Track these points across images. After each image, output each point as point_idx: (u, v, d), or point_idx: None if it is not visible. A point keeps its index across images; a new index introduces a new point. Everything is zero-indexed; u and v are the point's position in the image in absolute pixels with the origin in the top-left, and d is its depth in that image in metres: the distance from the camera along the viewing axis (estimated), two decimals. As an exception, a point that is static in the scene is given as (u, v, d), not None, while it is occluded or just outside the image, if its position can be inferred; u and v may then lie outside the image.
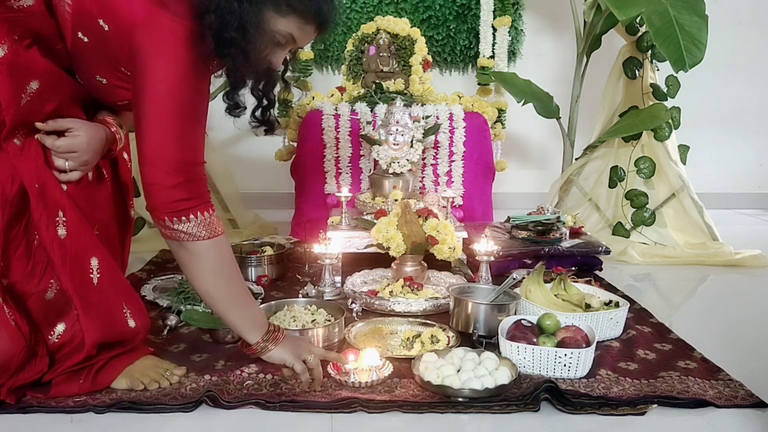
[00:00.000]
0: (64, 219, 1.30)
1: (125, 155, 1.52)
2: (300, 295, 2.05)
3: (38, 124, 1.29)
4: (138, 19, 1.23)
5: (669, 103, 2.99)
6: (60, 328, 1.35)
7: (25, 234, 1.30)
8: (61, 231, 1.30)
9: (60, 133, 1.32)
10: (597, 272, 2.39)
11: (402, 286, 2.04)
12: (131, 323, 1.41)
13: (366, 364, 1.49)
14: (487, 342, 1.69)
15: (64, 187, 1.32)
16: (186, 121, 1.27)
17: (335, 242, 2.12)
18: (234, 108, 1.37)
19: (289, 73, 1.47)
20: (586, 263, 2.38)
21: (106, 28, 1.27)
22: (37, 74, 1.26)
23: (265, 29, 1.27)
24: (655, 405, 1.43)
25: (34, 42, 1.27)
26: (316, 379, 1.43)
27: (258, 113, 1.40)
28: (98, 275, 1.35)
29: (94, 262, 1.35)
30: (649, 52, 2.98)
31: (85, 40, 1.31)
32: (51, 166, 1.31)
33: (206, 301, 1.41)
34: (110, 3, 1.26)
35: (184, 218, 1.28)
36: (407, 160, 2.47)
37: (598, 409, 1.41)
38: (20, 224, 1.29)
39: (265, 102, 1.39)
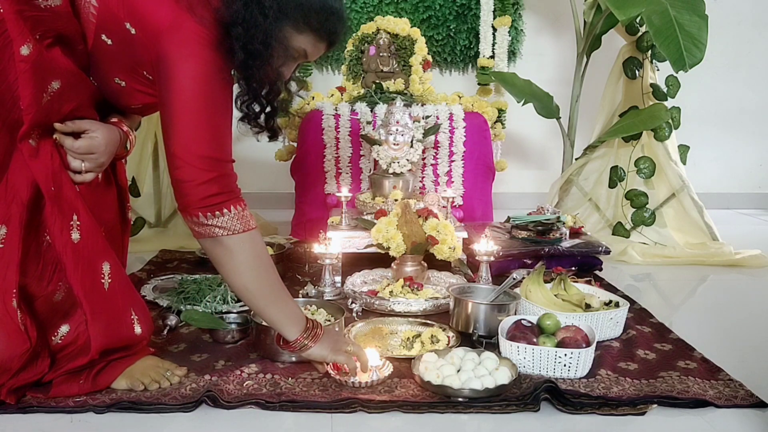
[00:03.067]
0: (78, 222, 1.30)
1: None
2: (300, 295, 2.05)
3: (57, 125, 1.29)
4: (165, 24, 1.25)
5: (669, 103, 2.99)
6: (64, 329, 1.35)
7: (36, 235, 1.30)
8: (75, 235, 1.29)
9: (76, 135, 1.32)
10: (597, 272, 2.39)
11: (402, 286, 2.04)
12: (137, 329, 1.41)
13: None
14: (487, 342, 1.69)
15: (77, 189, 1.32)
16: (215, 119, 1.28)
17: (335, 242, 2.12)
18: (251, 117, 1.39)
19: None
20: (586, 263, 2.38)
21: (133, 31, 1.27)
22: (59, 74, 1.26)
23: (285, 45, 1.31)
24: (655, 405, 1.43)
25: (56, 42, 1.27)
26: (362, 363, 1.45)
27: (262, 120, 1.41)
28: (109, 280, 1.34)
29: (106, 268, 1.34)
30: (649, 52, 2.98)
31: (109, 42, 1.31)
32: (66, 168, 1.31)
33: (244, 298, 1.41)
34: (138, 7, 1.26)
35: (218, 213, 1.29)
36: (407, 160, 2.47)
37: (598, 409, 1.41)
38: (32, 225, 1.29)
39: (269, 109, 1.40)
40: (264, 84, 1.34)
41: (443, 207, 2.41)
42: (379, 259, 2.24)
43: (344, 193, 2.37)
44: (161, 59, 1.25)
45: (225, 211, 1.29)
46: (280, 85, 1.40)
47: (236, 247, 1.32)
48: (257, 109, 1.38)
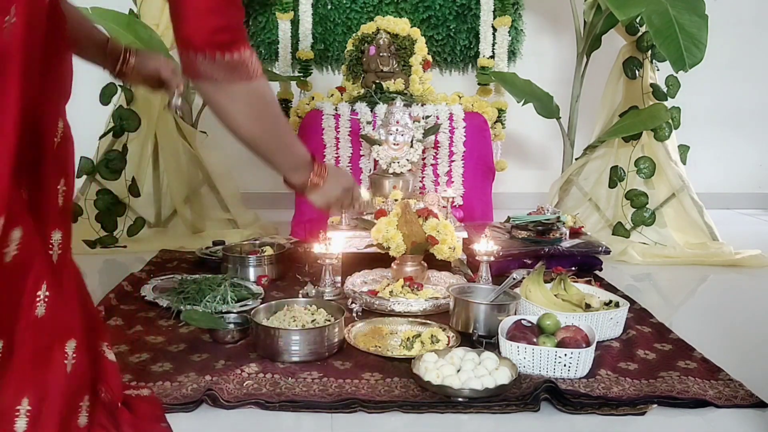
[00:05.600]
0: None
1: None
2: (300, 295, 2.05)
3: None
4: None
5: (669, 103, 2.99)
6: None
7: None
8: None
9: None
10: (597, 272, 2.39)
11: (402, 286, 2.04)
12: None
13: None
14: (487, 342, 1.69)
15: None
16: None
17: (335, 242, 2.12)
18: None
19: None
20: (586, 263, 2.38)
21: None
22: None
23: None
24: (655, 405, 1.43)
25: None
26: (355, 198, 1.46)
27: None
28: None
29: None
30: (649, 52, 2.98)
31: None
32: None
33: (250, 147, 1.29)
34: None
35: (227, 54, 1.11)
36: (407, 160, 2.47)
37: (598, 409, 1.41)
38: None
39: None
40: None
41: (443, 207, 2.40)
42: (379, 259, 2.24)
43: (344, 193, 2.36)
44: None
45: (235, 53, 1.12)
46: None
47: (243, 94, 1.16)
48: None
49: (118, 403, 1.16)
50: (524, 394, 1.42)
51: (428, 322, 1.84)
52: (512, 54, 3.54)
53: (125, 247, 2.72)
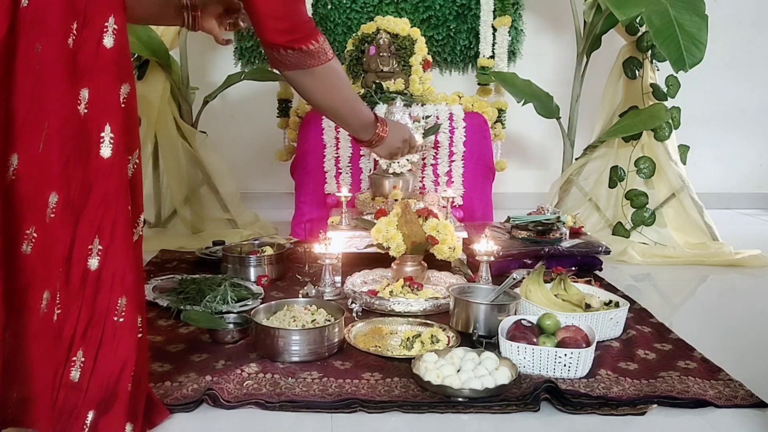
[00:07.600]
0: None
1: None
2: (300, 295, 2.05)
3: None
4: None
5: (669, 103, 2.99)
6: None
7: None
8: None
9: None
10: (597, 272, 2.39)
11: (402, 286, 2.04)
12: None
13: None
14: (487, 342, 1.69)
15: None
16: None
17: (335, 242, 2.12)
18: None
19: None
20: (586, 263, 2.38)
21: None
22: None
23: None
24: (655, 405, 1.43)
25: None
26: (412, 146, 1.81)
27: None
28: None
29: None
30: (649, 52, 2.98)
31: None
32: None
33: (331, 116, 1.59)
34: None
35: (309, 45, 1.34)
36: (407, 160, 2.47)
37: (598, 409, 1.41)
38: None
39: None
40: None
41: (443, 207, 2.40)
42: (379, 259, 2.24)
43: (344, 193, 2.37)
44: None
45: (313, 43, 1.35)
46: None
47: (323, 74, 1.41)
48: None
49: None
50: (524, 394, 1.42)
51: (428, 322, 1.84)
52: (512, 54, 3.54)
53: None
